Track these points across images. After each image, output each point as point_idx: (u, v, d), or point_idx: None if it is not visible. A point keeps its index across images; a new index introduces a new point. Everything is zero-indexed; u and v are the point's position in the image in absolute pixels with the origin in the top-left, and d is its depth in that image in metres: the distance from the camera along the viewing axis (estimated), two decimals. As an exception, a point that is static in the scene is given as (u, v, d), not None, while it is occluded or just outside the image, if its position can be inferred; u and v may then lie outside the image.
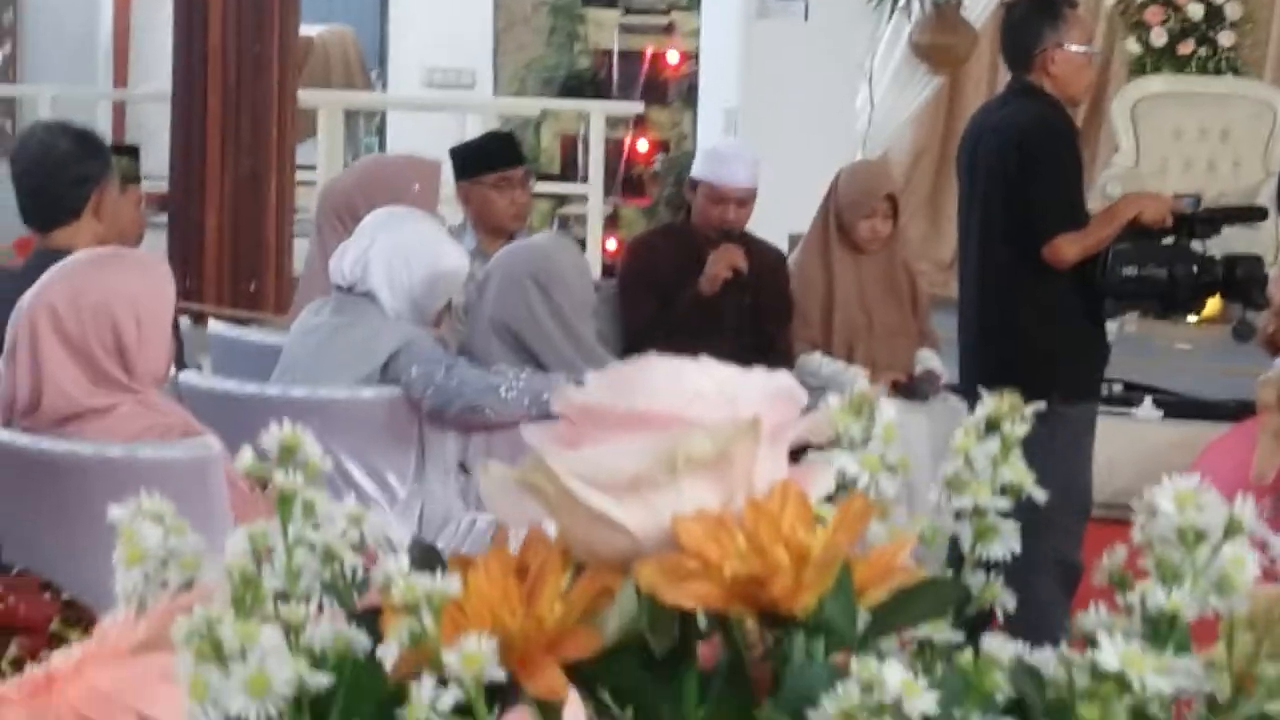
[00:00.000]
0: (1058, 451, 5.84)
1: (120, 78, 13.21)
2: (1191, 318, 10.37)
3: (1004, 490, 1.14)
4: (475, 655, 0.95)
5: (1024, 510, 1.14)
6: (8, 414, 4.85)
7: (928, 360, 7.72)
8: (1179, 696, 0.99)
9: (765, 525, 0.98)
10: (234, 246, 9.14)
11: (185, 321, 6.73)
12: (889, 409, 1.17)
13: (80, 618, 4.47)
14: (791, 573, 0.98)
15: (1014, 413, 1.15)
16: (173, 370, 5.42)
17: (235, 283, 8.85)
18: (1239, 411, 6.79)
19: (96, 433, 4.77)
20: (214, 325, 7.16)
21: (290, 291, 8.61)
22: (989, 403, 1.16)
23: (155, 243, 7.91)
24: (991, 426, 1.16)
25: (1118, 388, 7.44)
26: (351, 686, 1.02)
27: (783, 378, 1.06)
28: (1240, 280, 7.02)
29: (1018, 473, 1.15)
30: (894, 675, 0.92)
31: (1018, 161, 6.86)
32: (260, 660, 0.98)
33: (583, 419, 1.04)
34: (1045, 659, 1.02)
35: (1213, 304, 8.78)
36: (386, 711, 0.99)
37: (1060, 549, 6.28)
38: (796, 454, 1.11)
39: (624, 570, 1.01)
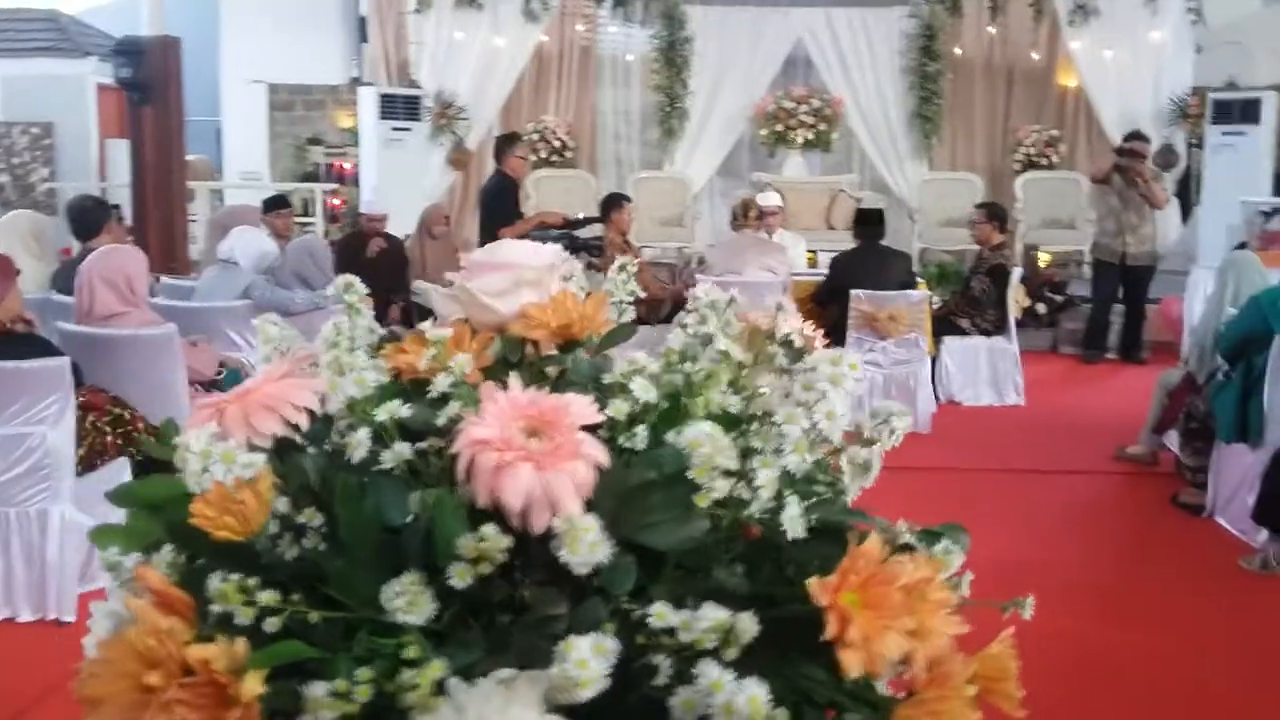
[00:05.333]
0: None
1: (103, 174, 11.70)
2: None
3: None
4: (460, 368, 0.85)
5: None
6: (79, 317, 4.31)
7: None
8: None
9: (559, 306, 0.92)
10: (164, 246, 8.27)
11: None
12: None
13: (118, 402, 4.06)
14: (573, 323, 0.92)
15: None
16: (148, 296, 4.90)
17: (166, 261, 8.03)
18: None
19: (120, 324, 4.28)
20: (164, 280, 6.49)
21: (188, 265, 8.03)
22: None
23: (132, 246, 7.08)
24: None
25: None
26: (386, 388, 0.89)
27: (556, 250, 0.97)
28: (590, 247, 7.04)
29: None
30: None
31: (491, 197, 6.80)
32: (356, 370, 0.85)
33: (475, 268, 0.93)
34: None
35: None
36: (396, 383, 0.89)
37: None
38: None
39: (498, 330, 0.93)
